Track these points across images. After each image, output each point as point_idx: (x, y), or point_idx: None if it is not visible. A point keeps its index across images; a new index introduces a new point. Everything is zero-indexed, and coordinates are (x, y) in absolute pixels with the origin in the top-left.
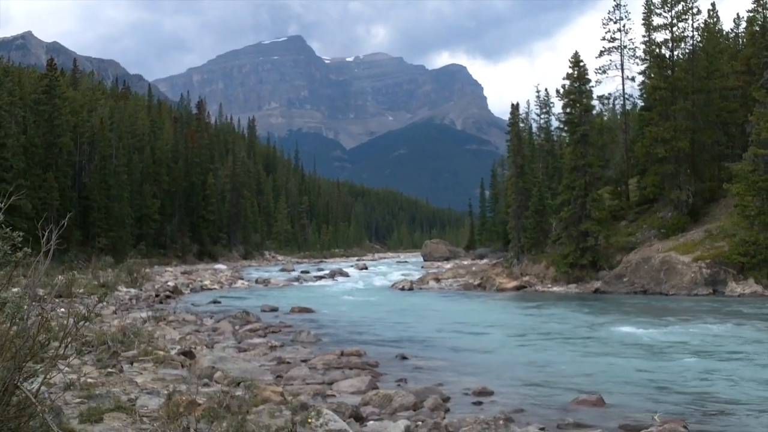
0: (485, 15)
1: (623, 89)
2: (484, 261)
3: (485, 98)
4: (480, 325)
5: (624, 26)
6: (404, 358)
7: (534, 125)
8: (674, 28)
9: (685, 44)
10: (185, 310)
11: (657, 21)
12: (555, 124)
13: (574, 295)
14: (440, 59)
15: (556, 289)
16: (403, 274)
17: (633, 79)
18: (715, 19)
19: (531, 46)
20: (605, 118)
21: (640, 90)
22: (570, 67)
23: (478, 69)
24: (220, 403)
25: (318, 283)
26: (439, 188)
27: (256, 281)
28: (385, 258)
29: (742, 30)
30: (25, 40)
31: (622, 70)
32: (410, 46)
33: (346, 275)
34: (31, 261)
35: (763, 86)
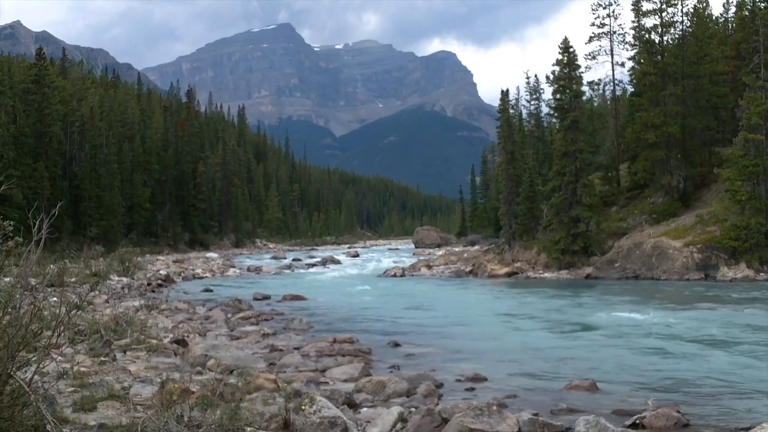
0: (476, 0)
1: (613, 75)
2: (476, 247)
3: (475, 85)
4: (472, 311)
5: (613, 12)
6: (397, 344)
7: (524, 111)
8: (664, 14)
9: (675, 29)
10: (177, 299)
11: (646, 6)
12: (545, 110)
13: (566, 281)
14: (431, 46)
15: (547, 275)
16: (394, 261)
17: (623, 64)
18: (704, 4)
19: (522, 33)
20: (595, 104)
21: (630, 75)
22: (560, 53)
23: (469, 55)
24: (214, 391)
25: (309, 270)
26: (430, 175)
27: (248, 269)
28: (376, 245)
29: (731, 15)
30: (14, 29)
31: (612, 55)
32: (401, 32)
33: (338, 262)
34: (23, 250)
35: (752, 71)
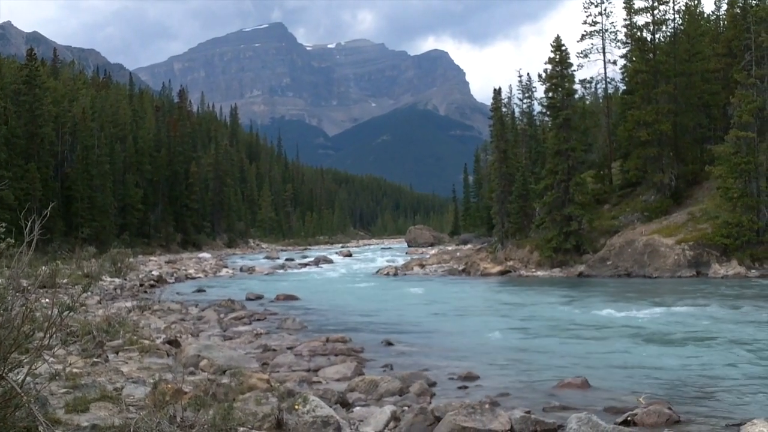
0: None
1: (605, 73)
2: (469, 246)
3: (468, 84)
4: (465, 310)
5: (605, 10)
6: (389, 343)
7: (517, 110)
8: (655, 11)
9: (667, 27)
10: (170, 299)
11: (638, 4)
12: (538, 108)
13: (559, 279)
14: (426, 44)
15: (540, 273)
16: (387, 261)
17: (615, 62)
18: (696, 2)
19: (517, 30)
20: (587, 103)
21: (622, 74)
22: (552, 51)
23: (464, 53)
24: (207, 391)
25: (302, 270)
26: (423, 174)
27: (241, 269)
28: (369, 244)
29: (723, 12)
30: (5, 30)
31: (604, 53)
32: (397, 30)
33: (331, 262)
34: (15, 252)
35: (744, 68)
